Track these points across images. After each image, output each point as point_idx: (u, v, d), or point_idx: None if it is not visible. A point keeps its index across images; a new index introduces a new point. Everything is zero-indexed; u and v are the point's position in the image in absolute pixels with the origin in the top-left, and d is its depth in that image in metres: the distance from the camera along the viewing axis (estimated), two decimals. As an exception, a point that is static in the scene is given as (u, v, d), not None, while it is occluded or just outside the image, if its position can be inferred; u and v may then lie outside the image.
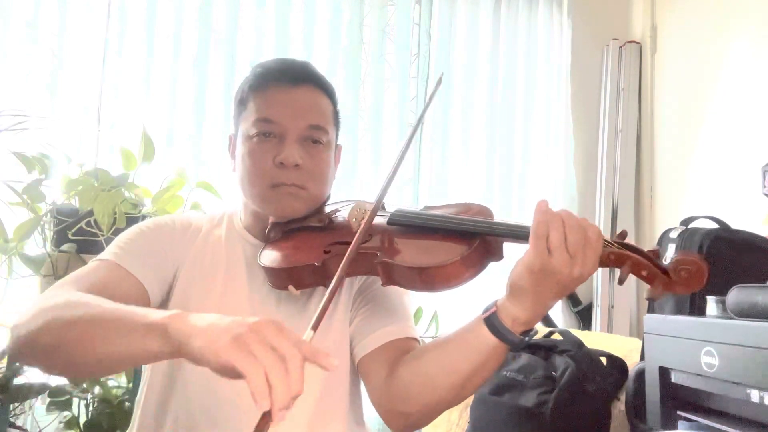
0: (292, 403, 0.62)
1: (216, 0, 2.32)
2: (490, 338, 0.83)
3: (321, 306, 0.72)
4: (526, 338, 0.83)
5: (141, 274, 0.96)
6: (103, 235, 1.67)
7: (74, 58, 2.13)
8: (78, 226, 1.69)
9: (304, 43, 2.42)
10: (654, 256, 0.82)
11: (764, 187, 1.53)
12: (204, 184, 1.94)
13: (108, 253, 0.98)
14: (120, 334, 0.73)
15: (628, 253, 0.82)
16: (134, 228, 1.04)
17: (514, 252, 0.90)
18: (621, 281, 0.83)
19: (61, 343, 0.77)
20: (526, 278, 0.80)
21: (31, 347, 0.81)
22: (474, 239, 0.87)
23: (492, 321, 0.83)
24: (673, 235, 1.46)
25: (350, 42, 2.48)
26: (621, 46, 2.82)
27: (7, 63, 2.05)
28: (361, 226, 0.88)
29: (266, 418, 0.61)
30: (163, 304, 1.02)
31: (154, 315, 0.72)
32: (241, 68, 2.32)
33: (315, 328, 0.70)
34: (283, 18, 2.40)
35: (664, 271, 0.82)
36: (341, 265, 0.81)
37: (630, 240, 0.86)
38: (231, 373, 0.62)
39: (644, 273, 0.82)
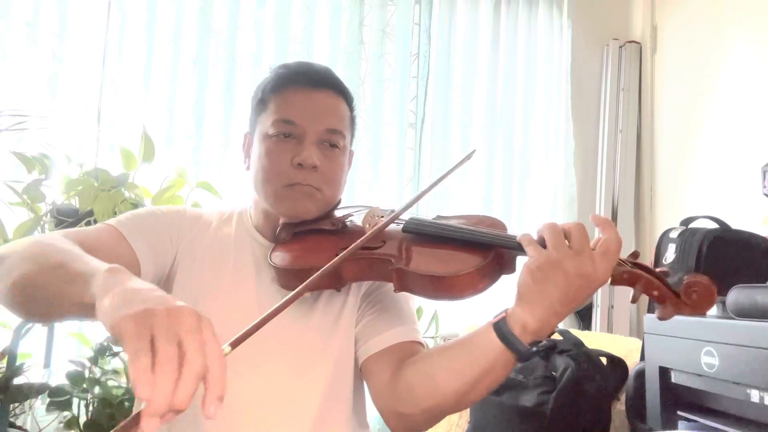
0: (169, 417, 0.52)
1: (216, 0, 2.32)
2: (497, 344, 0.82)
3: (255, 323, 0.64)
4: (534, 348, 0.83)
5: (138, 247, 0.96)
6: (103, 235, 1.67)
7: (74, 58, 2.13)
8: (78, 226, 1.69)
9: (304, 43, 2.42)
10: (665, 277, 0.84)
11: (764, 187, 1.53)
12: (204, 184, 1.94)
13: (114, 219, 0.99)
14: (64, 276, 0.70)
15: (642, 273, 0.84)
16: (147, 207, 1.06)
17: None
18: (634, 300, 0.85)
19: (21, 276, 0.76)
20: (529, 277, 0.80)
21: None
22: (489, 251, 0.88)
23: (500, 326, 0.82)
24: (673, 235, 1.46)
25: (350, 42, 2.48)
26: (621, 46, 2.82)
27: (7, 63, 2.04)
28: (373, 229, 0.89)
29: (136, 419, 0.51)
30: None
31: (95, 262, 0.68)
32: (241, 68, 2.32)
33: (234, 345, 0.60)
34: (283, 18, 2.40)
35: (675, 292, 0.83)
36: (329, 263, 0.81)
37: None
38: (123, 346, 0.54)
39: (655, 293, 0.84)
